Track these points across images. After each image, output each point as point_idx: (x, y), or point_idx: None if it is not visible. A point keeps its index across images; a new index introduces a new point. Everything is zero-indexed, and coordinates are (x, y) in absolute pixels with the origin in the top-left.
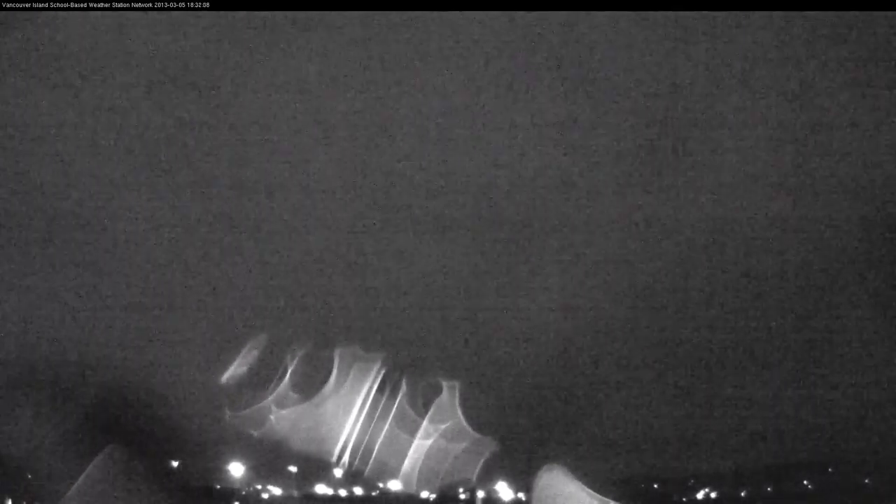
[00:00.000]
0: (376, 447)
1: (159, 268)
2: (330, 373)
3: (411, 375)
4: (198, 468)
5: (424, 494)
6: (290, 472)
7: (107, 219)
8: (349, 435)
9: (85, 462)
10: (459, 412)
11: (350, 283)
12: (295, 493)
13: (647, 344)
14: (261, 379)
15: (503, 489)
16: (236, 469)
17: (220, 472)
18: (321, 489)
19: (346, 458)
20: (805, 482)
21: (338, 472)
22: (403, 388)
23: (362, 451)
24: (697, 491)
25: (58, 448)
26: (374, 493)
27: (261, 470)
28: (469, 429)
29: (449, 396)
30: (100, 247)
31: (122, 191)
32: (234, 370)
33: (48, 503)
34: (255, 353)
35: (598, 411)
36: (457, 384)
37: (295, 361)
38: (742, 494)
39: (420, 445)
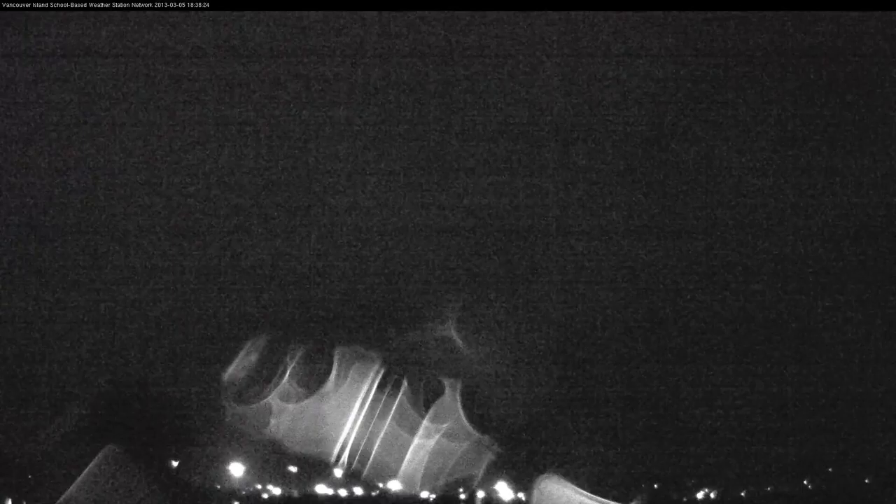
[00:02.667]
0: (375, 447)
1: (159, 267)
2: (330, 372)
3: (412, 374)
4: (198, 468)
5: (424, 494)
6: (290, 472)
7: (107, 218)
8: (348, 435)
9: (84, 462)
10: (461, 411)
11: (350, 282)
12: (295, 493)
13: (648, 344)
14: (261, 378)
15: (503, 489)
16: (236, 469)
17: (220, 472)
18: (321, 489)
19: (345, 457)
20: (805, 482)
21: (338, 472)
22: (404, 386)
23: (361, 451)
24: (697, 491)
25: (58, 448)
26: (373, 493)
27: (261, 470)
28: (471, 428)
29: (450, 396)
30: (100, 246)
31: (122, 190)
32: (235, 369)
33: (48, 503)
34: (255, 353)
35: (598, 411)
36: (458, 383)
37: (295, 361)
38: (742, 494)
39: (421, 445)
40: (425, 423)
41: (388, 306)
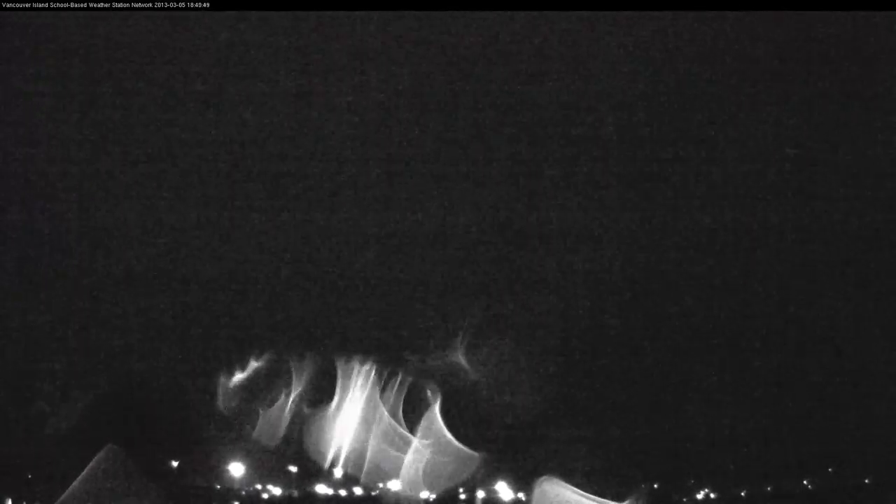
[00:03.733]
0: (373, 454)
1: (160, 269)
2: (330, 381)
3: (409, 383)
4: (198, 468)
5: (424, 495)
6: (290, 472)
7: (108, 221)
8: (345, 442)
9: (84, 462)
10: (443, 427)
11: (351, 290)
12: (295, 493)
13: (648, 345)
14: (262, 389)
15: (503, 489)
16: (236, 469)
17: (220, 472)
18: (321, 489)
19: (341, 461)
20: (805, 482)
21: (338, 472)
22: (401, 394)
23: (356, 457)
24: (697, 491)
25: (58, 448)
26: (373, 493)
27: (261, 470)
28: (456, 441)
29: (442, 404)
30: (100, 248)
31: (123, 193)
32: (237, 386)
33: (48, 503)
34: (260, 364)
35: (598, 412)
36: (454, 389)
37: (296, 368)
38: (742, 494)
39: (418, 448)
40: (422, 426)
41: (388, 314)
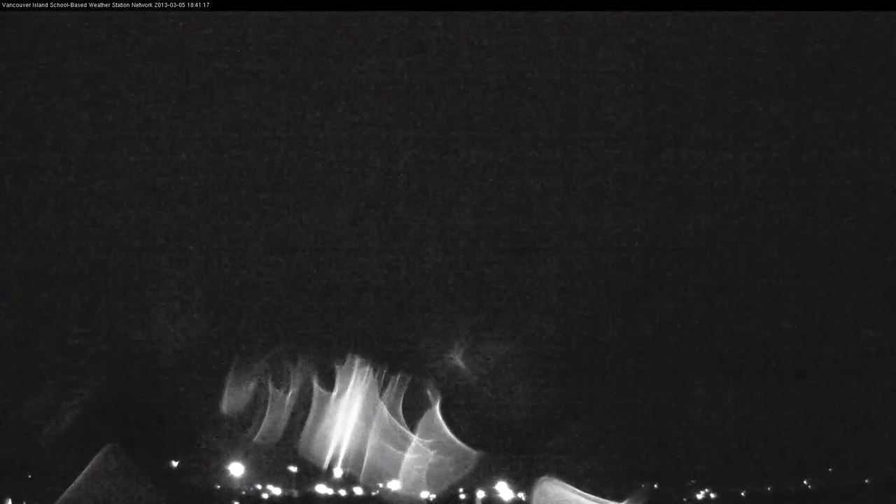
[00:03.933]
0: (371, 451)
1: (160, 269)
2: (329, 381)
3: (409, 383)
4: (198, 468)
5: (424, 494)
6: (290, 472)
7: (108, 221)
8: (344, 442)
9: (84, 462)
10: (444, 426)
11: (350, 291)
12: (295, 493)
13: (648, 346)
14: (261, 389)
15: (503, 489)
16: (236, 469)
17: (220, 472)
18: (321, 489)
19: (339, 462)
20: (805, 482)
21: (338, 472)
22: (401, 394)
23: (356, 456)
24: (697, 491)
25: (57, 448)
26: (373, 493)
27: (261, 470)
28: (457, 440)
29: (442, 404)
30: (101, 248)
31: (124, 193)
32: (237, 386)
33: (48, 503)
34: (259, 364)
35: (597, 411)
36: (454, 389)
37: (295, 371)
38: (742, 494)
39: (420, 446)
40: (422, 425)
41: (388, 314)
